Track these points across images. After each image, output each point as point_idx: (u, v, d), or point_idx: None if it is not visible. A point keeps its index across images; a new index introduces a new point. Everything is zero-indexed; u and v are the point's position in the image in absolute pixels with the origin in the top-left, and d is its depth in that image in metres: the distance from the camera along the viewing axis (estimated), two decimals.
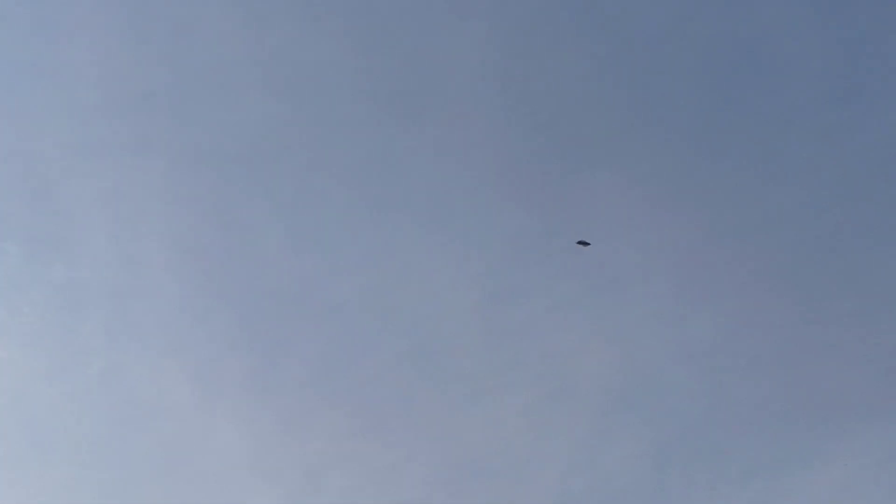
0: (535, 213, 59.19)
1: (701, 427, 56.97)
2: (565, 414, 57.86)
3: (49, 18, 59.52)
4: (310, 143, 60.51)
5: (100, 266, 60.51)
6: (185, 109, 62.04)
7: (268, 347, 59.84)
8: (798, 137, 56.57)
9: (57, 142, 61.09)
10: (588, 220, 58.12)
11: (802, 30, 56.70)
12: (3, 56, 60.08)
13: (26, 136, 59.59)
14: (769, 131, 56.47)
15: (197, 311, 57.88)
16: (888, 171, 54.76)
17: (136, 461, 56.64)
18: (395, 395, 58.01)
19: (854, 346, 54.18)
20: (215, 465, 57.20)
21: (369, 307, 57.79)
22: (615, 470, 56.40)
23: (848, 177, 54.95)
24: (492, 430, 56.01)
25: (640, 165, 59.22)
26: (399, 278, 58.36)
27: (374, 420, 57.42)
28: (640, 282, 58.08)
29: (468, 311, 57.16)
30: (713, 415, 56.78)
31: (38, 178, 59.17)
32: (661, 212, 53.61)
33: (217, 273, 61.98)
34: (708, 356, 58.23)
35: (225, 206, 59.73)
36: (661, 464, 56.51)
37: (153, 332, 58.92)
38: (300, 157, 59.96)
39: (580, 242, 39.03)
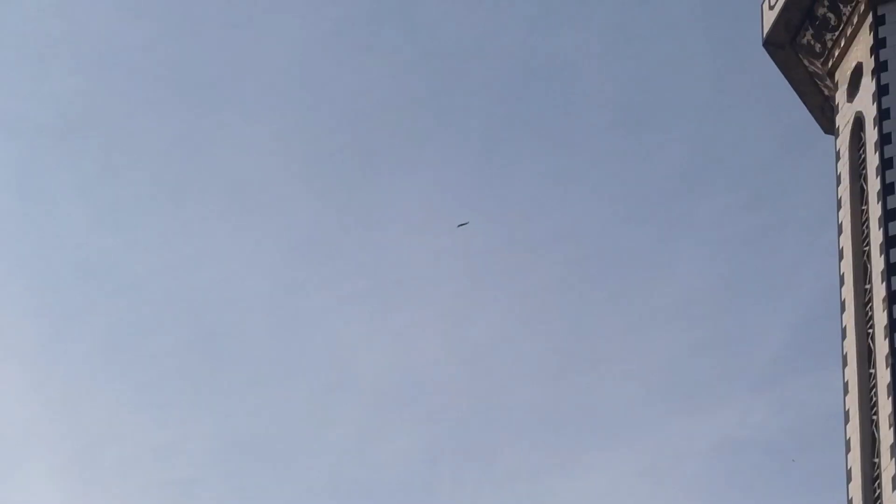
0: (332, 209, 60.51)
1: (472, 428, 58.12)
2: (343, 405, 59.13)
3: None
4: (116, 121, 61.65)
5: None
6: None
7: (56, 318, 60.53)
8: (589, 159, 59.43)
9: None
10: (384, 220, 60.06)
11: (600, 58, 59.60)
12: None
13: None
14: (563, 151, 59.38)
15: None
16: (668, 196, 57.88)
17: None
18: (179, 375, 59.40)
19: (621, 361, 56.81)
20: None
21: (161, 287, 59.22)
22: (387, 463, 57.90)
23: (630, 200, 57.91)
24: (271, 416, 58.01)
25: (438, 171, 60.49)
26: (193, 262, 59.90)
27: (155, 398, 58.62)
28: (424, 282, 59.28)
29: (258, 298, 59.18)
30: (485, 417, 57.88)
31: None
32: (452, 220, 55.64)
33: (12, 240, 62.37)
34: (485, 359, 59.30)
35: (25, 175, 60.28)
36: (431, 461, 57.96)
37: None
38: (105, 133, 61.03)
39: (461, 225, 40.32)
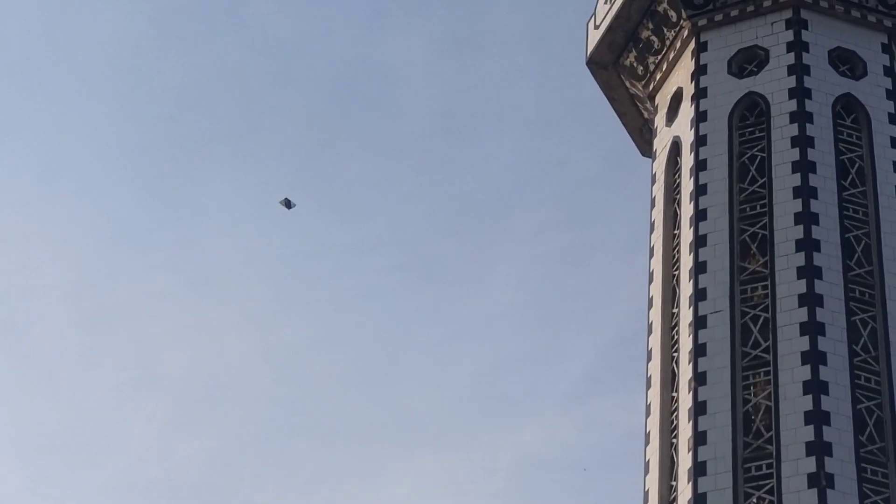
0: (147, 203, 60.93)
1: (277, 432, 58.74)
2: (146, 402, 58.92)
3: None
4: None
5: None
6: None
7: None
8: (411, 166, 60.90)
9: None
10: (200, 217, 60.42)
11: (428, 67, 61.52)
12: None
13: None
14: (386, 156, 60.55)
15: None
16: (488, 208, 60.13)
17: None
18: None
19: (432, 372, 58.61)
20: None
21: None
22: (188, 463, 58.00)
23: (450, 209, 59.46)
24: (69, 411, 58.18)
25: (258, 171, 60.79)
26: None
27: None
28: (237, 282, 60.33)
29: (61, 287, 58.85)
30: (291, 421, 58.29)
31: None
32: (269, 219, 56.36)
33: None
34: (294, 363, 60.20)
35: None
36: (233, 462, 58.01)
37: None
38: None
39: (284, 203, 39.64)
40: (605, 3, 33.97)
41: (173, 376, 59.17)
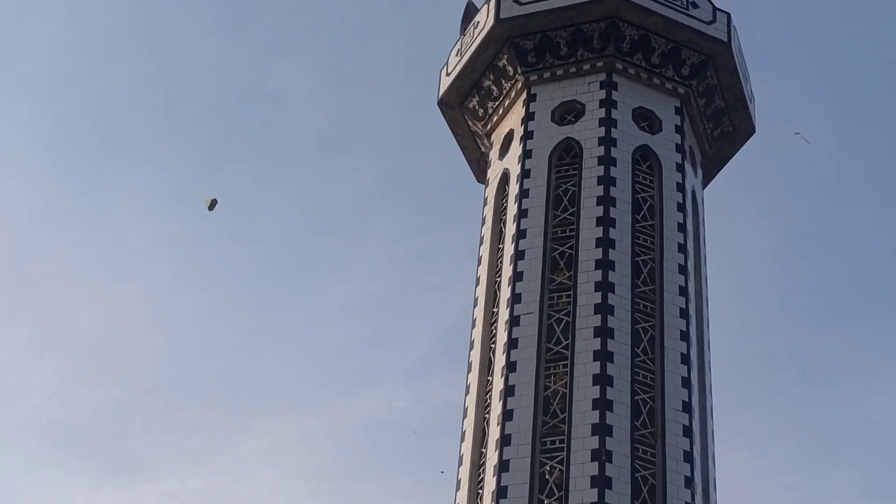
0: (71, 188, 62.35)
1: (164, 388, 60.17)
2: (54, 357, 60.07)
3: None
4: None
5: None
6: None
7: None
8: (292, 175, 63.49)
9: None
10: (115, 203, 61.01)
11: (312, 92, 64.67)
12: None
13: None
14: (272, 165, 64.08)
15: None
16: (354, 213, 62.96)
17: None
18: None
19: (300, 347, 60.53)
20: None
21: None
22: (86, 409, 59.46)
23: (322, 212, 62.40)
24: None
25: (165, 170, 62.37)
26: None
27: None
28: (141, 261, 61.46)
29: None
30: (176, 380, 60.14)
31: None
32: (170, 210, 60.56)
33: None
34: (182, 333, 61.78)
35: None
36: (125, 411, 59.38)
37: None
38: None
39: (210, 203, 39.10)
40: (457, 55, 34.46)
41: (80, 336, 60.90)
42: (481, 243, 32.43)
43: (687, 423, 28.35)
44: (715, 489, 29.42)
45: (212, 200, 38.21)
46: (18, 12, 62.81)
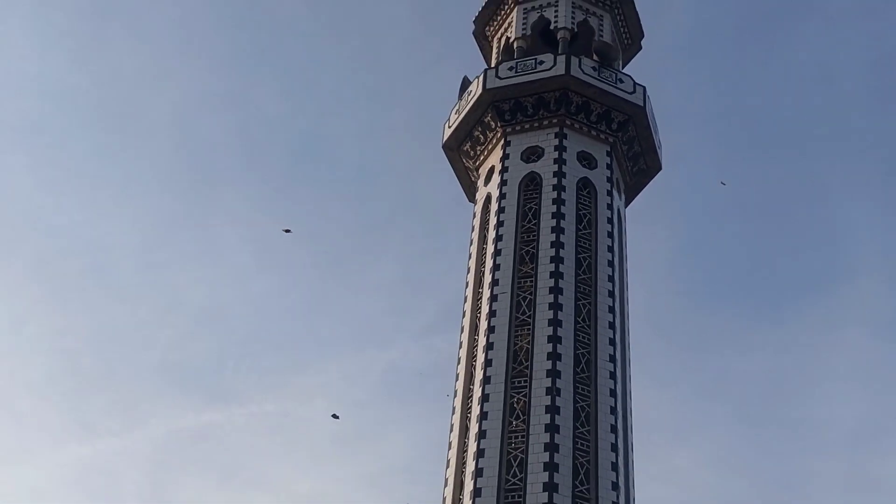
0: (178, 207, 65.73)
1: (248, 343, 62.64)
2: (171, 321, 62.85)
3: None
4: None
5: None
6: None
7: None
8: (341, 196, 66.10)
9: None
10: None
11: (350, 137, 67.45)
12: None
13: None
14: (322, 195, 66.61)
15: None
16: (392, 220, 64.81)
17: None
18: None
19: (338, 315, 63.20)
20: None
21: None
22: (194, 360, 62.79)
23: (364, 220, 65.22)
24: None
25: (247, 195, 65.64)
26: None
27: None
28: (231, 256, 63.93)
29: None
30: (257, 337, 62.47)
31: None
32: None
33: None
34: (263, 304, 63.45)
35: None
36: (220, 359, 61.92)
37: None
38: None
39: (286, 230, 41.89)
40: (455, 113, 36.13)
41: (189, 308, 63.35)
42: (471, 244, 33.72)
43: (612, 353, 29.59)
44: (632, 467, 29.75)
45: (286, 230, 42.61)
46: (153, 77, 66.26)
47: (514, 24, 37.05)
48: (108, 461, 58.22)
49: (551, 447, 27.37)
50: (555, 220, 31.55)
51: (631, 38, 38.43)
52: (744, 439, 57.86)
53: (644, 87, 34.63)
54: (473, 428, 28.70)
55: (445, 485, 28.99)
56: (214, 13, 67.13)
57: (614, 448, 28.27)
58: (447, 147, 35.73)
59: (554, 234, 31.23)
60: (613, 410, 28.75)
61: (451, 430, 29.85)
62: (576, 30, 36.59)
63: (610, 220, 32.62)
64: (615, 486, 27.64)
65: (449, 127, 35.74)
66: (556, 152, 32.80)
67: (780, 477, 56.65)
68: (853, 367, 58.44)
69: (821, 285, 61.54)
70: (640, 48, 38.86)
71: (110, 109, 64.78)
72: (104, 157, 64.41)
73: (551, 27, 36.68)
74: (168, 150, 65.24)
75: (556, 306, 29.81)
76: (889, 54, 63.14)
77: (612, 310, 30.65)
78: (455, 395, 30.74)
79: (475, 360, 30.44)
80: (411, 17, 66.57)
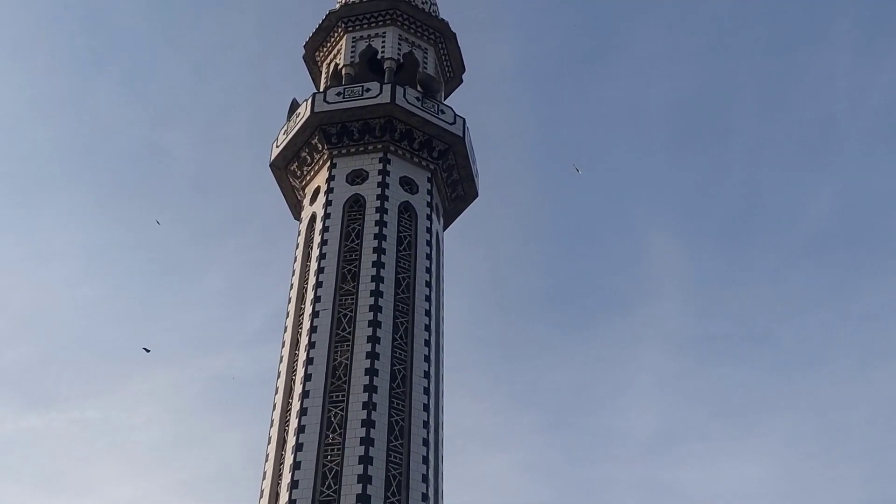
0: None
1: (74, 346, 61.96)
2: None
3: None
4: None
5: None
6: None
7: None
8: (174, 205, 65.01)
9: None
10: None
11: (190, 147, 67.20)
12: None
13: None
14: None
15: None
16: (228, 230, 65.02)
17: None
18: None
19: (169, 322, 63.20)
20: None
21: None
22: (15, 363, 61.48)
23: (199, 227, 65.33)
24: None
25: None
26: None
27: None
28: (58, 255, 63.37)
29: None
30: (84, 341, 62.06)
31: None
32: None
33: None
34: (94, 307, 63.08)
35: None
36: (44, 363, 61.40)
37: None
38: None
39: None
40: (284, 134, 36.14)
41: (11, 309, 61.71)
42: (295, 260, 33.69)
43: (427, 369, 29.55)
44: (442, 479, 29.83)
45: (145, 349, 41.45)
46: None
47: (343, 51, 37.39)
48: None
49: (365, 460, 27.40)
50: (377, 241, 31.83)
51: (453, 71, 39.25)
52: (551, 447, 59.96)
53: (464, 119, 35.39)
54: (291, 440, 28.53)
55: (261, 496, 28.57)
56: (54, 15, 66.09)
57: (425, 460, 28.48)
58: (274, 166, 35.69)
59: (375, 255, 31.46)
60: (426, 424, 29.05)
61: (269, 443, 29.60)
62: (402, 60, 37.38)
63: (429, 243, 33.00)
64: (425, 498, 27.77)
65: (277, 146, 35.76)
66: (380, 176, 33.20)
67: (584, 482, 58.82)
68: (651, 380, 61.53)
69: (624, 305, 63.85)
70: (462, 81, 39.76)
71: None
72: None
73: (378, 56, 37.20)
74: (0, 149, 63.92)
75: (374, 324, 29.86)
76: (689, 97, 66.90)
77: (427, 328, 30.90)
78: (274, 408, 30.37)
79: (295, 374, 30.33)
80: (252, 34, 67.33)
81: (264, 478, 28.85)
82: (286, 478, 27.70)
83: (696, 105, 66.07)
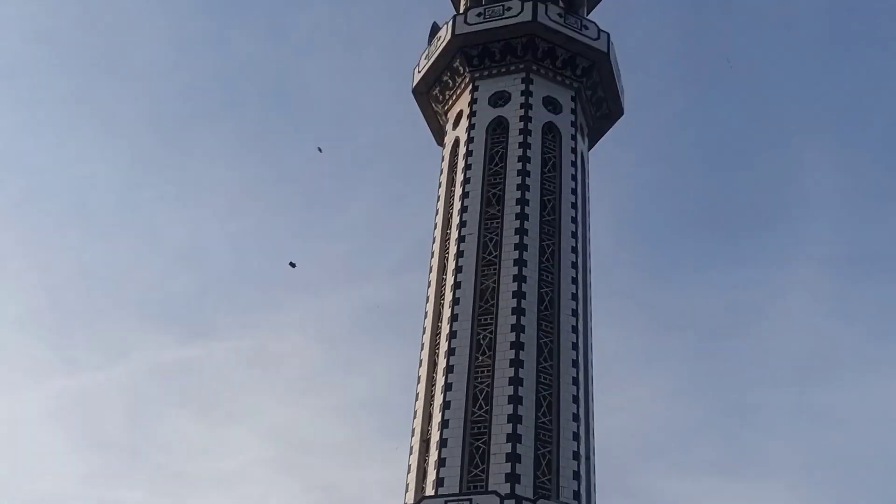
0: None
1: (230, 280, 62.16)
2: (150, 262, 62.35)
3: None
4: None
5: None
6: None
7: None
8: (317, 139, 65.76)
9: None
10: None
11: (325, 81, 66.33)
12: None
13: None
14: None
15: None
16: (368, 161, 63.96)
17: None
18: None
19: (317, 254, 62.59)
20: None
21: None
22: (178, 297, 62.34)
23: (340, 159, 64.15)
24: None
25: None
26: None
27: None
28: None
29: None
30: (238, 276, 62.08)
31: None
32: None
33: None
34: (250, 241, 63.28)
35: None
36: (203, 296, 62.05)
37: None
38: None
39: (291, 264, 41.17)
40: (425, 58, 36.17)
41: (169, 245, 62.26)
42: (439, 186, 34.15)
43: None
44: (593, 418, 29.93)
45: (291, 263, 42.40)
46: None
47: None
48: (90, 394, 58.80)
49: (515, 381, 27.61)
50: (521, 164, 31.78)
51: None
52: (700, 371, 58.46)
53: (608, 34, 34.74)
54: (441, 363, 28.96)
55: (415, 416, 29.18)
56: None
57: (575, 381, 28.56)
58: (417, 91, 35.80)
59: (520, 178, 31.48)
60: (575, 346, 29.13)
61: (420, 365, 30.08)
62: None
63: (574, 164, 32.80)
64: (576, 418, 27.88)
65: (418, 72, 35.90)
66: (523, 97, 32.99)
67: (733, 407, 57.20)
68: (804, 301, 58.68)
69: (775, 222, 61.27)
70: None
71: (91, 52, 64.84)
72: (84, 99, 64.51)
73: None
74: (148, 92, 64.76)
75: (521, 247, 30.03)
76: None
77: (574, 250, 30.86)
78: (424, 332, 30.92)
79: (443, 299, 30.71)
80: None
81: (417, 399, 29.49)
82: (438, 399, 28.18)
83: (853, 6, 63.08)
